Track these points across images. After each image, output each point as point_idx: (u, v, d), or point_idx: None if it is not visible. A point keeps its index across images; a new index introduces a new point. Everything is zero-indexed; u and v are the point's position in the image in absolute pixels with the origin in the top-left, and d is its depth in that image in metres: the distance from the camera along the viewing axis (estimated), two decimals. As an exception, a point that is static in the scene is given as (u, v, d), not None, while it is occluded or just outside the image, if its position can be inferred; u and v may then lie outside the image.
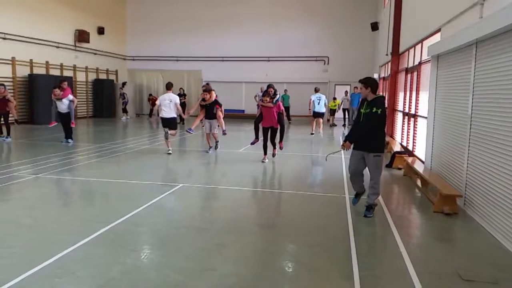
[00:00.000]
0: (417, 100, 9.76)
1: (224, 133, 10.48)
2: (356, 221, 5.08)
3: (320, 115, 14.41)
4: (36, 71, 17.70)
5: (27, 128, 15.51)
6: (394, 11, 13.07)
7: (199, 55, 23.69)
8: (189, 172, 8.24)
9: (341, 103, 19.32)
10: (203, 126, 10.51)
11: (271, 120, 8.93)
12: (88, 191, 6.58)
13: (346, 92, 19.98)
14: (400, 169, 8.51)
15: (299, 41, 22.51)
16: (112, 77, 23.42)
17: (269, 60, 23.14)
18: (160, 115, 10.00)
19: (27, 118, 17.08)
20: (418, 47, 9.86)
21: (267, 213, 5.61)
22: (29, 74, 17.29)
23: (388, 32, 14.20)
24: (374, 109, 5.08)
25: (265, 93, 9.07)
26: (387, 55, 14.74)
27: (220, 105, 10.22)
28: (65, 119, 11.37)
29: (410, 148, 10.21)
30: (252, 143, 9.78)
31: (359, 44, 21.88)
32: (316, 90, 14.67)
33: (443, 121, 7.02)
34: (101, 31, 22.03)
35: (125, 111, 21.68)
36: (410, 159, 8.15)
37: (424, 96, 8.94)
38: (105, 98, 21.70)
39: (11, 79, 16.34)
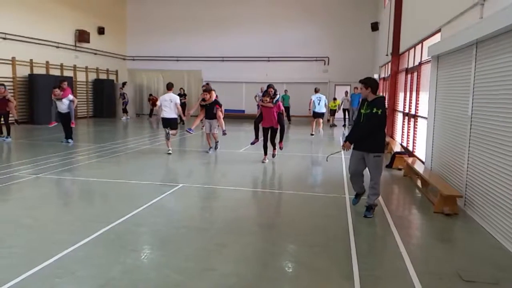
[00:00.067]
0: (417, 100, 9.76)
1: (224, 133, 10.48)
2: (356, 221, 5.08)
3: (320, 115, 14.41)
4: (36, 71, 17.69)
5: (27, 128, 15.51)
6: (394, 11, 13.06)
7: (199, 55, 23.69)
8: (189, 172, 8.24)
9: (341, 104, 19.34)
10: (203, 127, 10.51)
11: (271, 120, 8.93)
12: (88, 191, 6.58)
13: (346, 92, 19.96)
14: (400, 169, 8.51)
15: (299, 41, 22.50)
16: (112, 77, 23.42)
17: (269, 60, 23.14)
18: (161, 115, 10.02)
19: (27, 118, 17.07)
20: (418, 47, 9.86)
21: (267, 213, 5.62)
22: (29, 74, 17.29)
23: (388, 32, 14.20)
24: (375, 110, 5.08)
25: (265, 93, 9.07)
26: (387, 55, 14.73)
27: (220, 105, 10.24)
28: (65, 119, 11.38)
29: (410, 148, 10.21)
30: (252, 143, 9.78)
31: (359, 44, 21.87)
32: (316, 91, 14.66)
33: (443, 121, 7.02)
34: (101, 31, 22.03)
35: (125, 111, 21.66)
36: (410, 160, 8.15)
37: (424, 97, 8.94)
38: (105, 98, 21.69)
39: (11, 79, 16.33)
